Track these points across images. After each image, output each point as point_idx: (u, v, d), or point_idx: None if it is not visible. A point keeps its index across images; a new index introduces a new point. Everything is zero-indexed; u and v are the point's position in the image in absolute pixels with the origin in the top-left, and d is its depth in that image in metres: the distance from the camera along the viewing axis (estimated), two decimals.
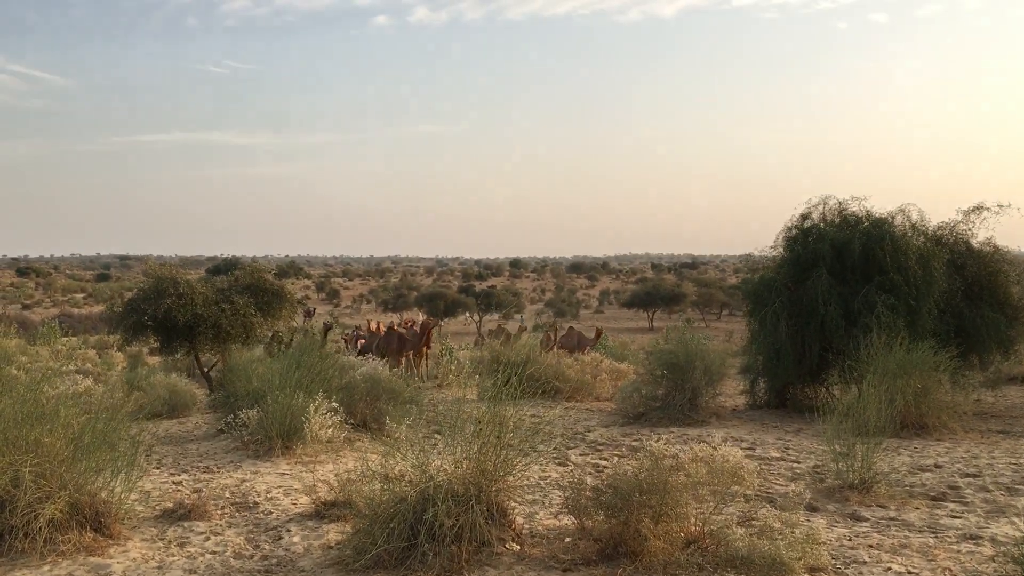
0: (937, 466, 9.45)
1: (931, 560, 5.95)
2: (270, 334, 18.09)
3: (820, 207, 14.67)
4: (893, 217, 14.40)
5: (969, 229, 15.11)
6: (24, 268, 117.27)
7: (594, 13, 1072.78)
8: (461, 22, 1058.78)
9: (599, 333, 25.56)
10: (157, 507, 7.67)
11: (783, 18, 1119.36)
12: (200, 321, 15.32)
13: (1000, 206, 14.76)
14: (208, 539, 6.77)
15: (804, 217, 14.71)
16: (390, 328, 21.17)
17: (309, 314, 30.19)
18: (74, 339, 33.57)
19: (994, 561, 5.77)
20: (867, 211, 14.47)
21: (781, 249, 14.80)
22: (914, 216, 14.58)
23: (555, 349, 24.42)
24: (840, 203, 14.62)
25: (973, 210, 15.05)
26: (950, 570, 5.71)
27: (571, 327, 27.84)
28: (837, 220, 14.50)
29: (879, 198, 19.61)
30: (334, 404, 10.11)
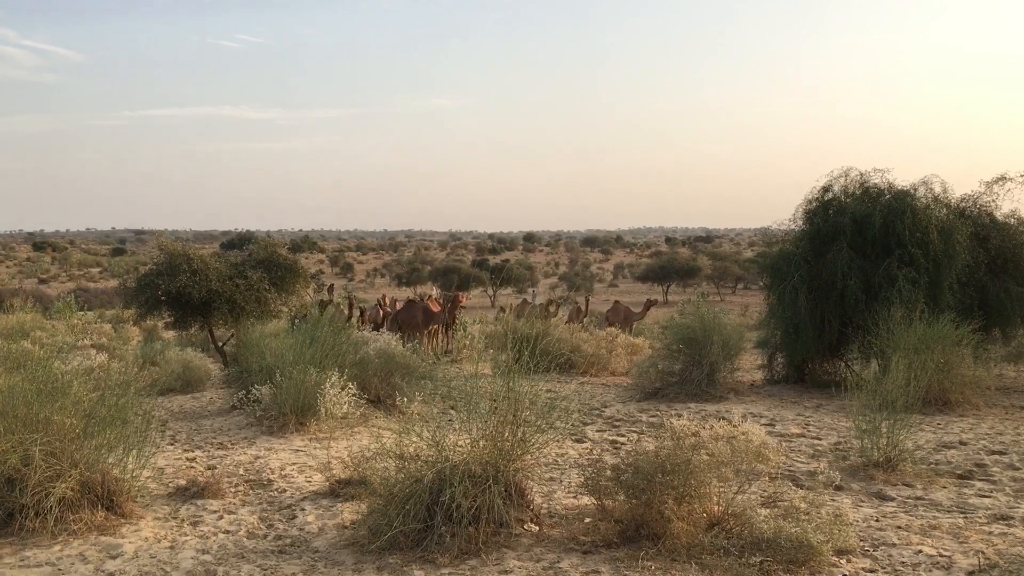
0: (962, 443, 9.27)
1: (962, 542, 5.77)
2: (292, 311, 17.84)
3: (841, 179, 14.39)
4: (915, 189, 14.11)
5: (992, 201, 14.82)
6: (40, 243, 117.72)
7: None
8: None
9: (650, 305, 23.08)
10: (170, 484, 7.59)
11: None
12: (215, 297, 15.20)
13: (1023, 176, 14.47)
14: (221, 518, 6.67)
15: (825, 190, 14.44)
16: (410, 301, 20.73)
17: (331, 289, 30.03)
18: (90, 313, 33.62)
19: None
20: (889, 183, 14.19)
21: (801, 222, 14.55)
22: (937, 188, 14.30)
23: (584, 323, 23.73)
24: (862, 175, 14.34)
25: (996, 181, 14.77)
26: (983, 552, 5.53)
27: (617, 301, 26.28)
28: (858, 193, 14.21)
29: (902, 170, 19.25)
30: (345, 381, 9.97)
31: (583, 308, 24.99)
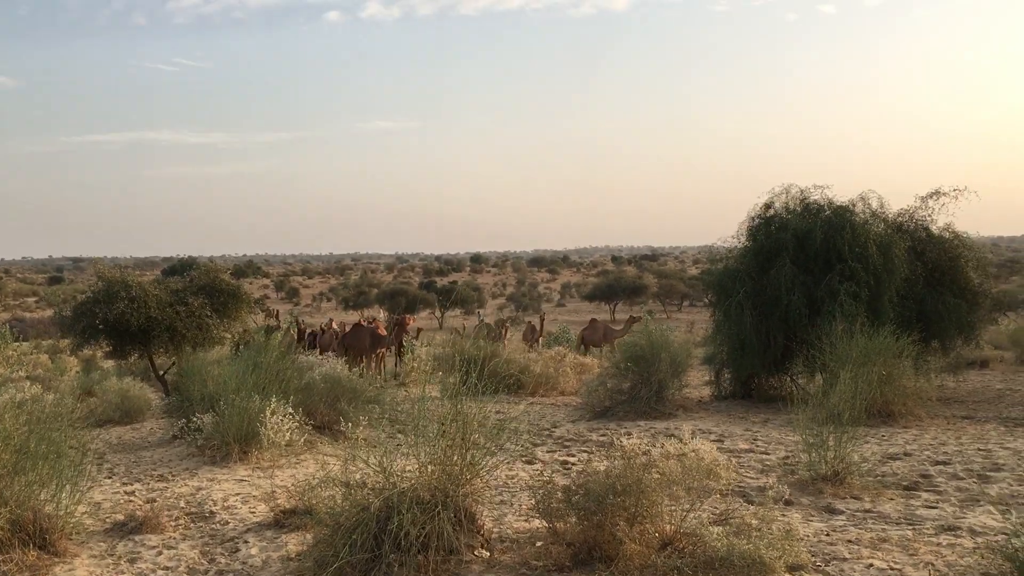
0: (906, 454, 9.37)
1: (912, 555, 5.79)
2: (235, 337, 17.43)
3: (783, 196, 14.62)
4: (854, 205, 14.39)
5: (928, 215, 15.16)
6: None
7: (547, 7, 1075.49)
8: (414, 17, 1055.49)
9: (633, 321, 21.48)
10: (108, 520, 7.31)
11: (734, 10, 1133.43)
12: (154, 324, 14.83)
13: (956, 190, 14.82)
14: (160, 554, 6.43)
15: (767, 206, 14.64)
16: (357, 324, 20.49)
17: (277, 315, 29.54)
18: (25, 344, 32.72)
19: (977, 553, 5.63)
20: (829, 199, 14.44)
21: (744, 239, 14.71)
22: (874, 203, 14.62)
23: (539, 343, 23.35)
24: (802, 191, 14.58)
25: (931, 195, 15.11)
26: (933, 565, 5.55)
27: (594, 319, 25.41)
28: (799, 209, 14.44)
29: (841, 185, 19.58)
30: (289, 408, 9.73)
31: (537, 328, 24.50)
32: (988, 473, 8.33)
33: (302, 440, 9.87)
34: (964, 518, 6.72)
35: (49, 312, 51.49)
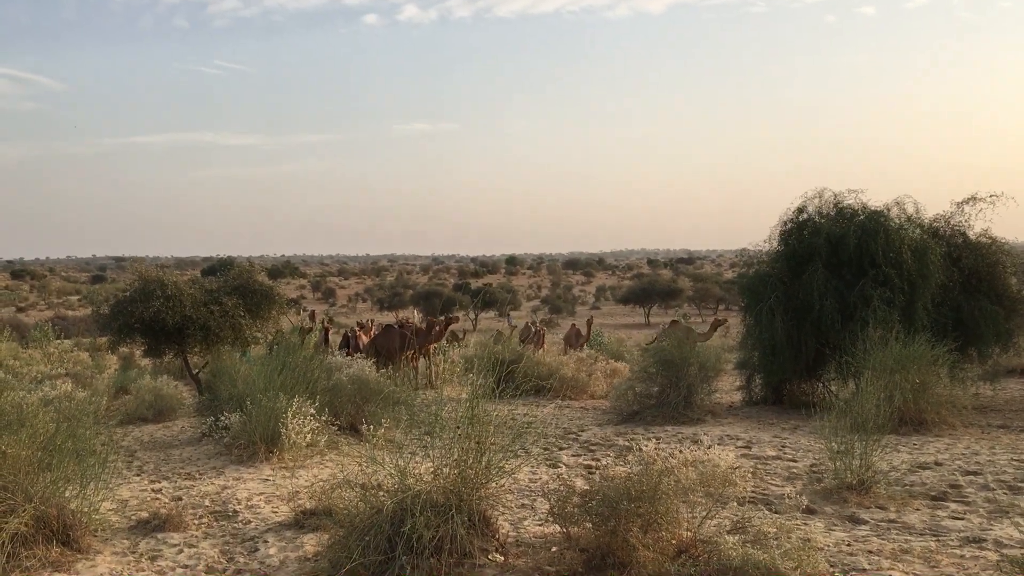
0: (937, 463, 9.21)
1: (934, 566, 5.69)
2: (268, 338, 17.59)
3: (816, 200, 14.40)
4: (889, 209, 14.14)
5: (964, 221, 14.86)
6: (19, 270, 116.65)
7: (583, 10, 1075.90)
8: (450, 20, 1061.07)
9: (717, 325, 20.47)
10: (133, 517, 7.41)
11: (772, 12, 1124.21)
12: (189, 323, 15.02)
13: (993, 195, 14.51)
14: (181, 552, 6.50)
15: (800, 210, 14.45)
16: (388, 326, 20.52)
17: (312, 316, 29.61)
18: (67, 342, 33.30)
19: (999, 568, 5.51)
20: (863, 204, 14.21)
21: (776, 243, 14.54)
22: (909, 208, 14.34)
23: (580, 347, 22.71)
24: (836, 196, 14.36)
25: (966, 201, 14.80)
26: None
27: (676, 320, 24.41)
28: (833, 213, 14.23)
29: (876, 190, 19.24)
30: (312, 410, 9.75)
31: (583, 332, 23.45)
32: (1020, 484, 8.15)
33: (323, 441, 9.90)
34: (990, 530, 6.59)
35: (90, 310, 52.36)
